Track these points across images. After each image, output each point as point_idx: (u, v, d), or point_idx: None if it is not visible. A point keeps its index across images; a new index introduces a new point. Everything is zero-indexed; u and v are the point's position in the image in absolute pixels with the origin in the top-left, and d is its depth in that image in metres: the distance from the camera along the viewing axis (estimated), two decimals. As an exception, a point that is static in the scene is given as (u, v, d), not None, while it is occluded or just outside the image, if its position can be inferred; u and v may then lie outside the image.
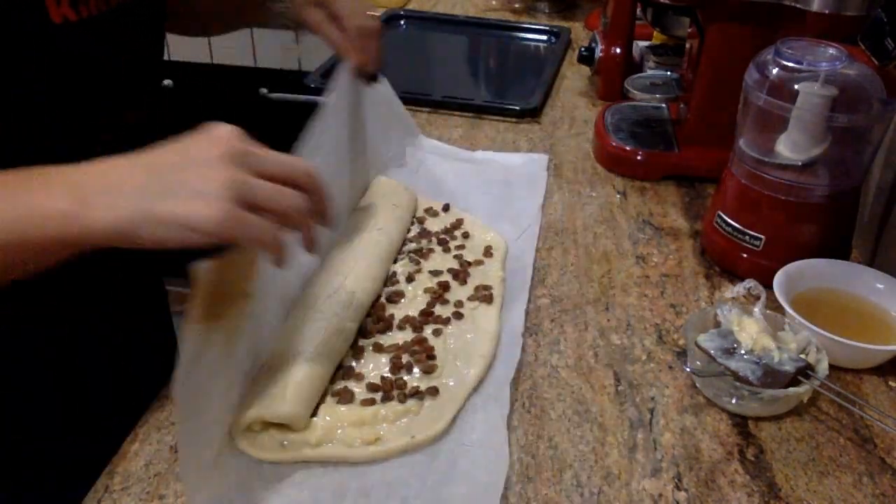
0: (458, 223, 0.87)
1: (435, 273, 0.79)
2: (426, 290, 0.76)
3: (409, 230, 0.86)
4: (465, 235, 0.85)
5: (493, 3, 1.76)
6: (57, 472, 0.92)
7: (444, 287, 0.76)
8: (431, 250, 0.83)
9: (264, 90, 1.66)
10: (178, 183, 0.48)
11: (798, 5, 0.85)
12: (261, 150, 0.51)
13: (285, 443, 0.59)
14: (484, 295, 0.75)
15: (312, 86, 1.24)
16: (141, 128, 0.72)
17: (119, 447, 0.61)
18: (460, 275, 0.78)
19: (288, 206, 0.51)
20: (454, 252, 0.82)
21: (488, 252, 0.82)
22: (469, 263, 0.80)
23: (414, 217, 0.89)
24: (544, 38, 1.55)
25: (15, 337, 0.83)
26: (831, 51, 0.74)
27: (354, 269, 0.74)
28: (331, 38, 0.80)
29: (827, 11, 0.83)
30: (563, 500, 0.57)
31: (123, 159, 0.50)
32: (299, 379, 0.60)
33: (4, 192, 0.49)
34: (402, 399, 0.63)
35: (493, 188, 0.96)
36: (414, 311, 0.73)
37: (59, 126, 0.64)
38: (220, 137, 0.50)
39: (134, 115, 0.73)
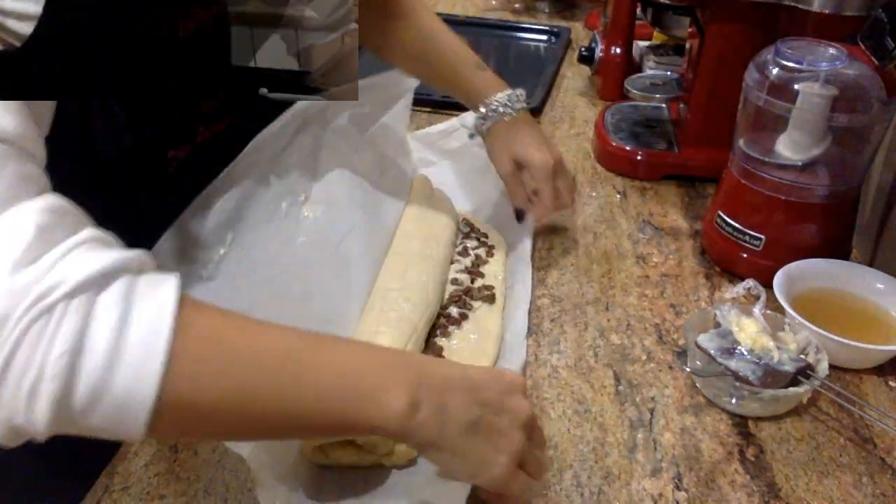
0: (463, 223, 0.88)
1: (453, 277, 0.79)
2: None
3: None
4: (485, 235, 0.86)
5: (493, 2, 1.76)
6: (57, 473, 0.92)
7: (467, 290, 0.77)
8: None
9: (264, 90, 1.66)
10: (488, 440, 0.49)
11: (798, 5, 0.85)
12: (536, 423, 0.54)
13: None
14: (486, 295, 0.75)
15: (313, 86, 1.24)
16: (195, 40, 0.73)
17: (119, 447, 0.61)
18: (474, 275, 0.79)
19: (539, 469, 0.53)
20: (471, 252, 0.83)
21: (490, 252, 0.82)
22: (478, 263, 0.81)
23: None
24: (544, 38, 1.55)
25: None
26: (831, 51, 0.74)
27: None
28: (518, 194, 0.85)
29: (827, 11, 0.83)
30: (563, 500, 0.57)
31: (457, 375, 0.50)
32: None
33: (332, 364, 0.47)
34: None
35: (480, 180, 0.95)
36: None
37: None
38: (522, 408, 0.51)
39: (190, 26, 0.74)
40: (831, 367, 0.66)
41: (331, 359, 0.47)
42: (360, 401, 0.45)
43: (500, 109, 0.83)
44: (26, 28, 0.64)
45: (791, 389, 0.63)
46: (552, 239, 0.88)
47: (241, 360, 0.43)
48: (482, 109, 0.83)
